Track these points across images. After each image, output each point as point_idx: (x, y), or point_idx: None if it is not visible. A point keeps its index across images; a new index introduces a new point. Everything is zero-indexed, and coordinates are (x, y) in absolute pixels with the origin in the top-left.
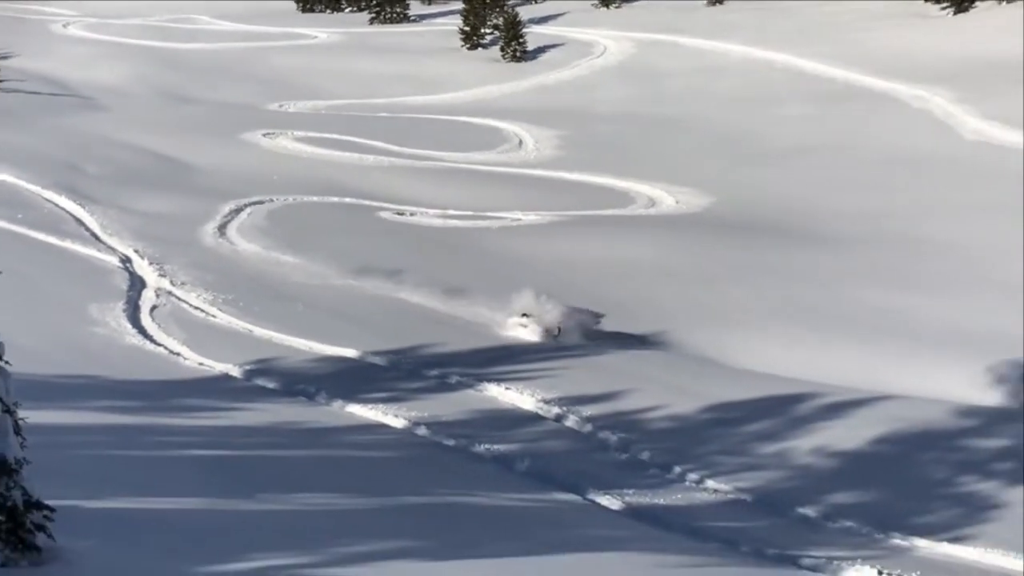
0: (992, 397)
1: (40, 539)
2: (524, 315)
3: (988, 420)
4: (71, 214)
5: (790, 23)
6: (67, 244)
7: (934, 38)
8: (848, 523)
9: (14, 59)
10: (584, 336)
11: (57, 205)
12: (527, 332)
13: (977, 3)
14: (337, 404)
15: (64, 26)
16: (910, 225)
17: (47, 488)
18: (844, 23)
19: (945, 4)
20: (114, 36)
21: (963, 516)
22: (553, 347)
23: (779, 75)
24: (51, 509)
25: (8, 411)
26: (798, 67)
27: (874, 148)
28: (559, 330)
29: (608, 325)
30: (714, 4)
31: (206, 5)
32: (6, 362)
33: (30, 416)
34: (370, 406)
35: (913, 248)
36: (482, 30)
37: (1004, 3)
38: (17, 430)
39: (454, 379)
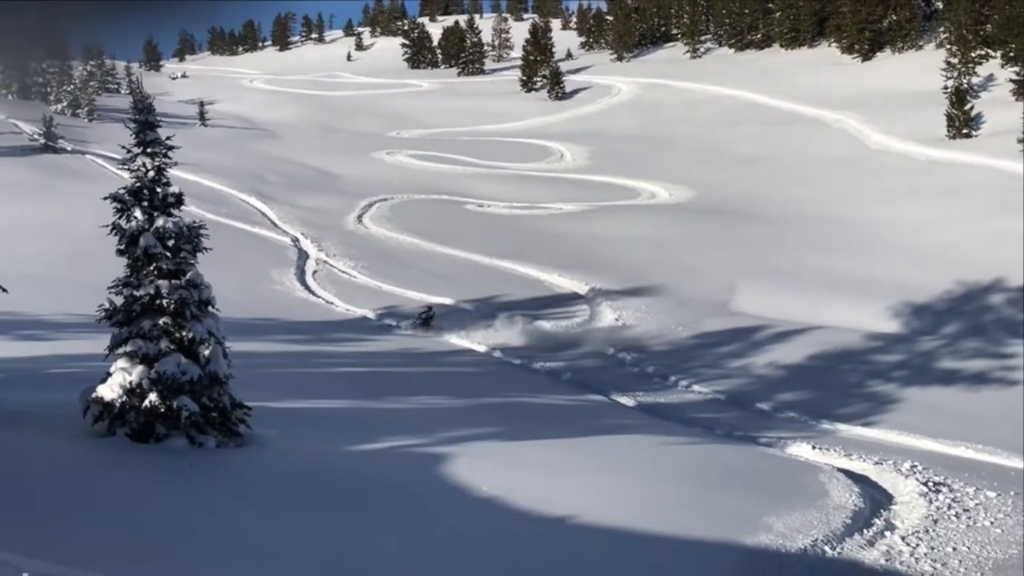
0: (891, 326)
1: (241, 428)
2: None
3: (888, 342)
4: (257, 209)
5: (747, 70)
6: (255, 229)
7: (848, 78)
8: (791, 414)
9: (217, 104)
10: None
11: (248, 203)
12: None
13: (878, 54)
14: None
15: (250, 81)
16: (832, 208)
17: (246, 394)
18: (784, 69)
19: (855, 55)
20: (284, 87)
21: (871, 408)
22: (586, 295)
23: (740, 106)
24: (249, 408)
25: (219, 342)
26: (753, 100)
27: (806, 155)
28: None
29: (623, 281)
30: (695, 58)
31: (345, 65)
32: (216, 309)
33: (233, 346)
34: (462, 336)
35: (834, 224)
36: (535, 79)
37: (897, 54)
38: (225, 355)
39: (518, 317)
